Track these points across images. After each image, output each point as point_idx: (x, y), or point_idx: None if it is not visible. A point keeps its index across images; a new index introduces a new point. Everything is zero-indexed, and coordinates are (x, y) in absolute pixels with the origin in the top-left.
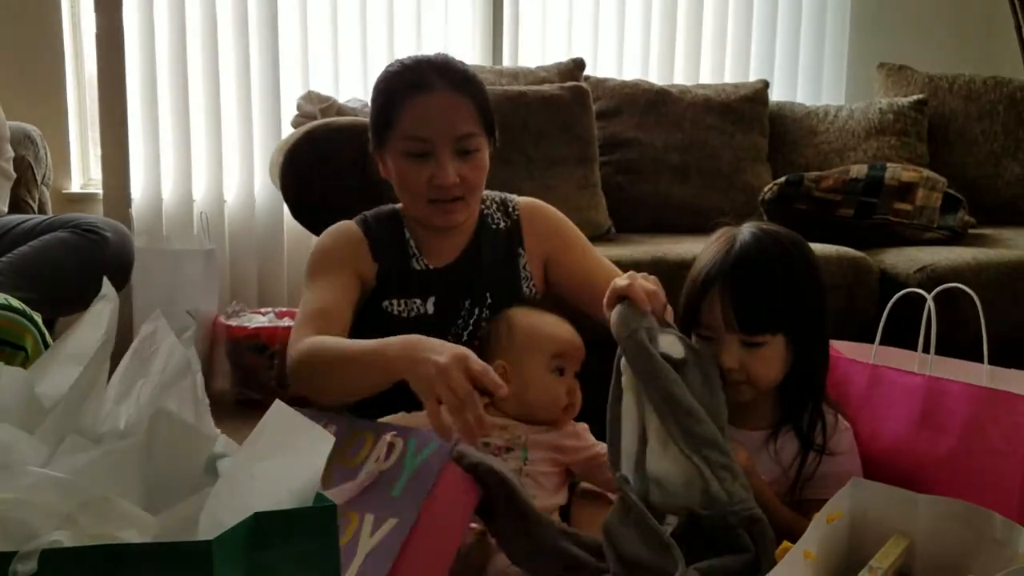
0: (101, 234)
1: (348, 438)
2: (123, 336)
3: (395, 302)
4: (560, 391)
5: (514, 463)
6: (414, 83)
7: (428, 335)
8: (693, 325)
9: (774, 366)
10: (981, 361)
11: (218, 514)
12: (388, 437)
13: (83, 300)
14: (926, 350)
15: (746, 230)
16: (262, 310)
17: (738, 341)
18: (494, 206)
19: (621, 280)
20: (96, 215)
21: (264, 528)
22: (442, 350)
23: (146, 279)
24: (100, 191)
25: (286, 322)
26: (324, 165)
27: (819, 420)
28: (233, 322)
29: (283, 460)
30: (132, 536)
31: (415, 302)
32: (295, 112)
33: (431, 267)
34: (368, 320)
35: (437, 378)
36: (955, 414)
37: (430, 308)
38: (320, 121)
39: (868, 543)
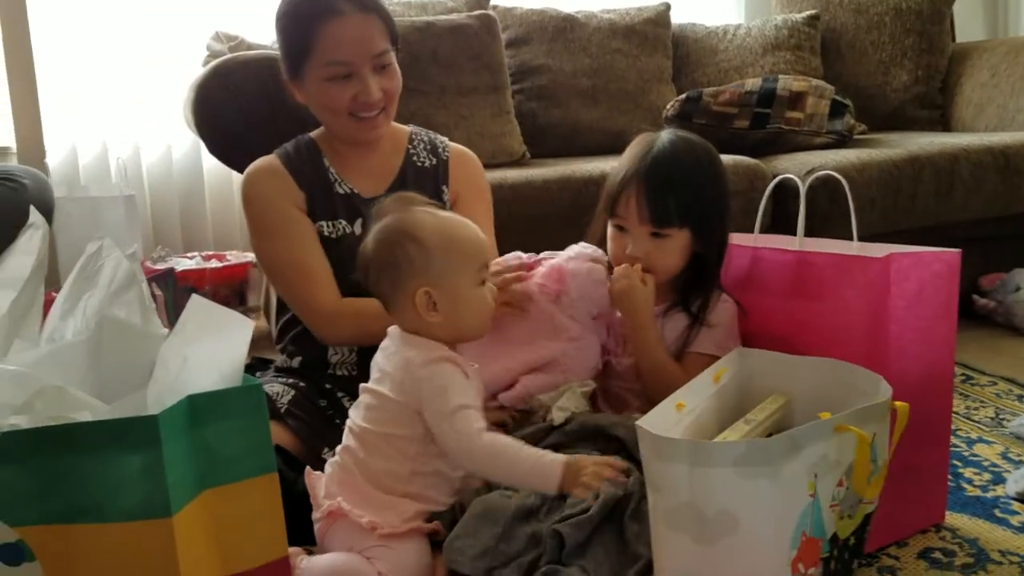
0: (19, 182)
1: None
2: (47, 284)
3: (324, 224)
4: (489, 301)
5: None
6: (324, 10)
7: (356, 255)
8: (611, 217)
9: (675, 258)
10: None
11: (161, 396)
12: None
13: (5, 248)
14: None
15: (664, 135)
16: (188, 254)
17: (647, 233)
18: (421, 145)
19: None
20: (12, 164)
21: (198, 407)
22: None
23: (67, 228)
24: (13, 145)
25: (213, 264)
26: (234, 98)
27: (706, 300)
28: (160, 267)
29: (210, 345)
30: (86, 419)
31: (340, 223)
32: (206, 54)
33: (356, 192)
34: None
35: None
36: (820, 281)
37: (357, 229)
38: (228, 56)
39: (756, 404)
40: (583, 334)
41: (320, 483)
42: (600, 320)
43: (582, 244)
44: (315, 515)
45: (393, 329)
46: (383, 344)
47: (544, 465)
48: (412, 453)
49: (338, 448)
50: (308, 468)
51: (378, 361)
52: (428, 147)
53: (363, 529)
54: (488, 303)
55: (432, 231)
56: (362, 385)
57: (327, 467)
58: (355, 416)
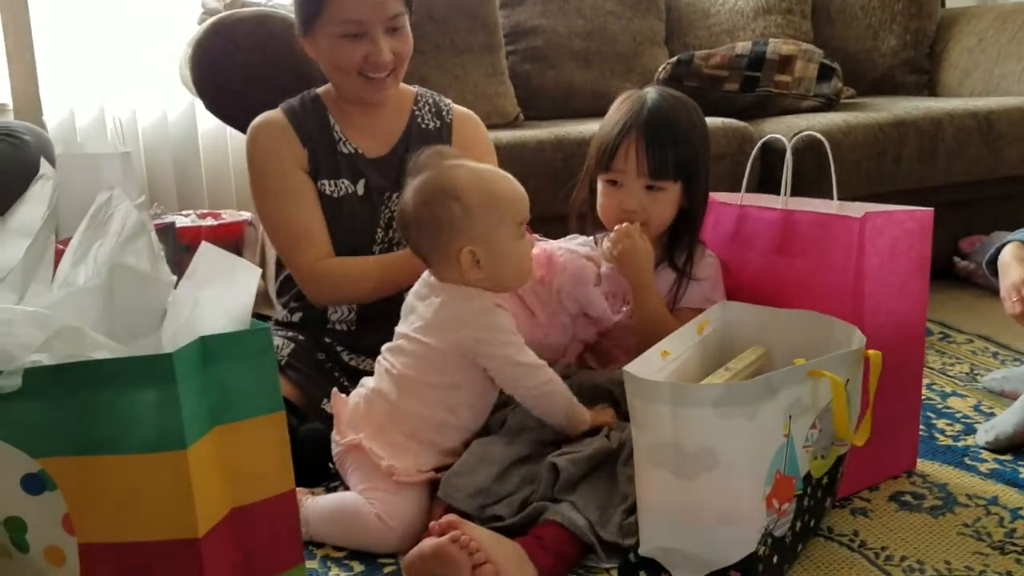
0: (21, 138)
1: None
2: None
3: (327, 182)
4: (529, 251)
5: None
6: None
7: (357, 215)
8: (604, 171)
9: (669, 211)
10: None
11: (174, 336)
12: None
13: (9, 205)
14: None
15: (652, 91)
16: (183, 212)
17: (643, 186)
18: (426, 107)
19: None
20: (11, 120)
21: (210, 348)
22: None
23: (66, 184)
24: (10, 103)
25: (208, 222)
26: (233, 54)
27: (691, 255)
28: (156, 224)
29: (220, 289)
30: (104, 357)
31: (343, 183)
32: (200, 11)
33: (360, 152)
34: None
35: None
36: (805, 239)
37: (360, 189)
38: (225, 13)
39: (737, 355)
40: (547, 320)
41: (345, 409)
42: (578, 320)
43: (584, 238)
44: (335, 438)
45: (430, 278)
46: (416, 289)
47: (579, 416)
48: (450, 403)
49: (370, 384)
50: (335, 390)
51: (416, 307)
52: (433, 109)
53: (379, 469)
54: (528, 254)
55: (473, 188)
56: (398, 329)
57: (352, 396)
58: (393, 359)
